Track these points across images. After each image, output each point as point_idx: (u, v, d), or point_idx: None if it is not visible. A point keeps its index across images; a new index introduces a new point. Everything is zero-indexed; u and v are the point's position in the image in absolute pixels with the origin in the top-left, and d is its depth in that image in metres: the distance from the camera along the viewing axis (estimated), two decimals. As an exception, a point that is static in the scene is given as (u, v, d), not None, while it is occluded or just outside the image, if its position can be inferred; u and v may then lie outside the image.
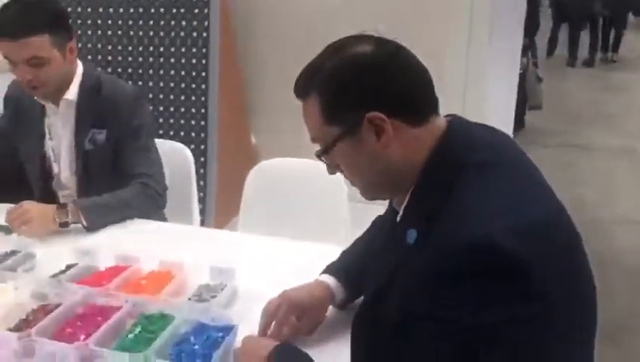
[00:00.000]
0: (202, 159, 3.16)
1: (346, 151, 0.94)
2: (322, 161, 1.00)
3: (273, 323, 1.18)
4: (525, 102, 4.91)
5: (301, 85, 0.97)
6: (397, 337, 0.89)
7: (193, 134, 3.14)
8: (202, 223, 3.04)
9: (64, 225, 1.67)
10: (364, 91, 0.91)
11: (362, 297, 1.22)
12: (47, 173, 1.91)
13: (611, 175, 4.49)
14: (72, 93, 1.80)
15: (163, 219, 1.95)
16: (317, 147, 1.00)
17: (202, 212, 3.22)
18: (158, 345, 1.09)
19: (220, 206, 3.26)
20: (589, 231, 1.00)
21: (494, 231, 0.80)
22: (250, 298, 1.35)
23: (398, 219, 0.97)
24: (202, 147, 3.14)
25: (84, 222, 1.68)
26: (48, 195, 1.89)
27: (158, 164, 1.91)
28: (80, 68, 1.83)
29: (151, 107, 3.09)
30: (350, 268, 1.26)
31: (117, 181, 1.83)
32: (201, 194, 3.21)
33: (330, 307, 1.26)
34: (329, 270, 1.26)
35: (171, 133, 3.15)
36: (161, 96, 3.13)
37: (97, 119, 1.82)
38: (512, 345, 0.80)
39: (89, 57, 3.11)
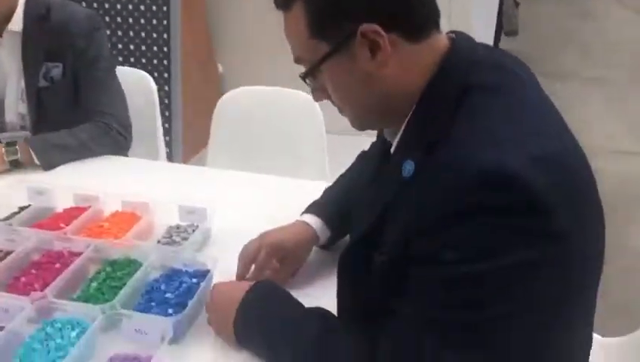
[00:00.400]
0: (166, 88, 2.97)
1: (336, 71, 0.82)
2: (307, 83, 0.87)
3: (252, 267, 1.09)
4: (501, 27, 4.76)
5: None
6: (388, 279, 0.81)
7: (155, 61, 2.92)
8: (169, 157, 2.91)
9: (14, 163, 1.51)
10: (355, 3, 0.77)
11: (348, 236, 1.14)
12: None
13: (587, 104, 4.45)
14: (16, 22, 1.59)
15: (124, 154, 1.80)
16: (292, 72, 0.87)
17: (168, 144, 3.06)
18: (125, 293, 0.99)
19: (187, 138, 3.11)
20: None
21: (512, 159, 0.69)
22: (224, 240, 1.25)
23: (392, 150, 0.86)
24: (166, 75, 2.95)
25: (37, 162, 1.53)
26: None
27: (121, 100, 1.73)
28: None
29: (108, 32, 2.86)
30: (334, 206, 1.16)
31: (76, 118, 1.66)
32: (166, 125, 3.04)
33: (314, 247, 1.17)
34: (311, 209, 1.16)
35: (131, 60, 2.94)
36: (118, 19, 2.88)
37: (50, 51, 1.62)
38: (523, 292, 0.71)
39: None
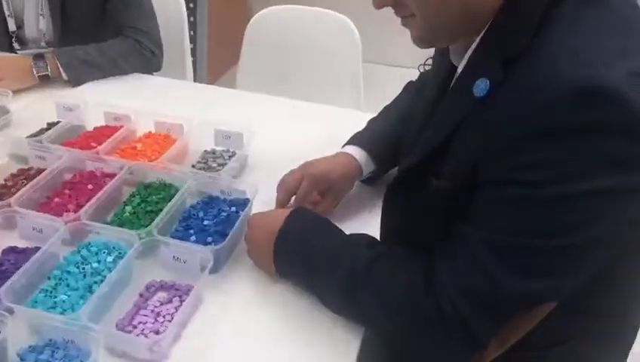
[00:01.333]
0: (191, 5, 2.84)
1: None
2: None
3: (293, 198, 1.04)
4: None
5: None
6: (451, 205, 0.76)
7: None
8: (195, 77, 2.83)
9: (44, 78, 1.45)
10: None
11: (396, 168, 1.07)
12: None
13: None
14: None
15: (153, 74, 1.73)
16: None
17: (193, 64, 2.97)
18: (162, 219, 0.95)
19: (213, 57, 3.01)
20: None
21: (609, 74, 0.62)
22: (260, 167, 1.19)
23: (460, 69, 0.79)
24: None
25: (65, 77, 1.46)
26: None
27: (153, 17, 1.64)
28: None
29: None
30: (380, 139, 1.08)
31: (104, 34, 1.58)
32: (192, 45, 2.93)
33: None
34: (356, 140, 1.09)
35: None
36: None
37: None
38: (608, 221, 0.67)
39: None
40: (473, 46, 0.75)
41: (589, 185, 0.64)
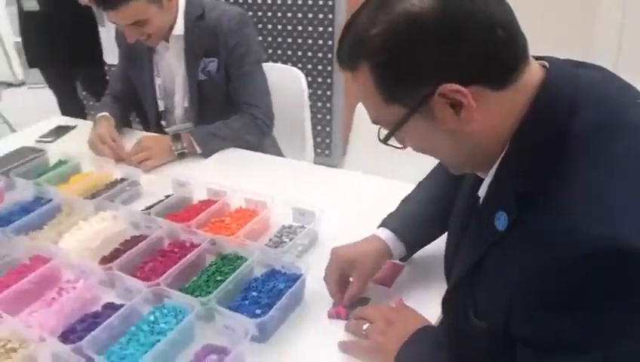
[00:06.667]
0: (329, 93, 3.07)
1: (417, 132, 0.74)
2: (390, 145, 0.78)
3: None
4: None
5: (345, 57, 0.74)
6: (490, 343, 0.78)
7: (320, 67, 3.04)
8: (328, 155, 3.03)
9: (182, 155, 1.72)
10: (426, 61, 0.67)
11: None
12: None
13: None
14: (178, 27, 1.79)
15: (278, 151, 1.98)
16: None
17: (329, 146, 3.18)
18: (222, 289, 1.06)
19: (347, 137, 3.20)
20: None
21: (627, 231, 0.60)
22: (330, 243, 1.26)
23: (482, 197, 0.80)
24: (329, 80, 3.05)
25: (199, 150, 1.72)
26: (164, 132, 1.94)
27: (266, 92, 1.86)
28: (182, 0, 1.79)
29: (279, 39, 3.04)
30: (411, 221, 1.13)
31: (228, 109, 1.84)
32: (328, 129, 3.16)
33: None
34: (387, 223, 1.13)
35: (294, 59, 3.08)
36: (289, 27, 3.03)
37: (206, 48, 1.80)
38: None
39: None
40: (492, 173, 0.77)
41: (629, 344, 0.63)
